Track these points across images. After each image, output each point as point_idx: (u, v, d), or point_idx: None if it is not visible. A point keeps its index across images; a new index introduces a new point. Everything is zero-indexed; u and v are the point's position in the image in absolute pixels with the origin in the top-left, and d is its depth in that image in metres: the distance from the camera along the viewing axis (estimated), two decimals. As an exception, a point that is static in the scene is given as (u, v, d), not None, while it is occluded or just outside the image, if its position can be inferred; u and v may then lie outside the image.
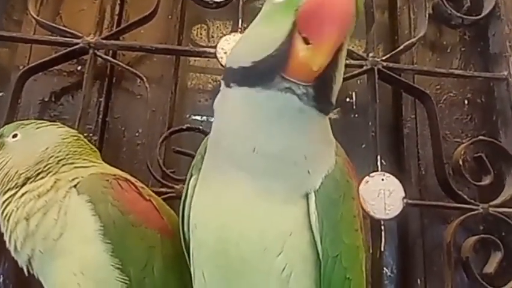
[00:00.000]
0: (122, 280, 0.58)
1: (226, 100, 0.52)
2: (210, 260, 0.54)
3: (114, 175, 0.64)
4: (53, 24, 1.03)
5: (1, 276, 0.95)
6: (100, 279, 0.58)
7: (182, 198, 0.59)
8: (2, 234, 0.93)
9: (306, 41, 0.45)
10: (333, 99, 0.51)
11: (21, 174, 0.64)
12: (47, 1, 1.14)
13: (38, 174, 0.63)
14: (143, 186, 0.67)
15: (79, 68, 1.09)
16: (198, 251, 0.55)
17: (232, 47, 0.55)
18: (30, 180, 0.63)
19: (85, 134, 1.03)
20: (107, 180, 0.61)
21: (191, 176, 0.59)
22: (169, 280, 0.61)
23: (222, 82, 0.53)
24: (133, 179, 0.66)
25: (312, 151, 0.51)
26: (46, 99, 1.07)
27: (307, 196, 0.52)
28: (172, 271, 0.61)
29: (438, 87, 1.16)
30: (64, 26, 1.08)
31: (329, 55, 0.45)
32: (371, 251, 0.94)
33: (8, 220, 0.61)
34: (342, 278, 0.53)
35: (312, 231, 0.51)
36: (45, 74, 1.05)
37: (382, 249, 0.91)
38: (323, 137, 0.54)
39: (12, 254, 0.63)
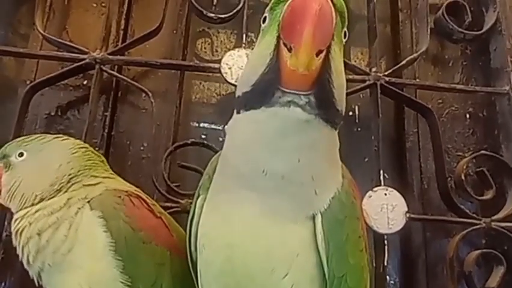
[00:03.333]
0: (131, 297, 0.58)
1: (236, 124, 0.54)
2: (218, 280, 0.54)
3: (126, 191, 0.64)
4: (60, 40, 1.04)
5: (7, 289, 0.96)
6: (108, 295, 0.58)
7: (190, 217, 0.60)
8: (9, 249, 0.96)
9: (289, 49, 0.47)
10: (340, 107, 0.51)
11: (37, 195, 0.64)
12: (53, 16, 1.15)
13: (52, 193, 0.64)
14: (154, 203, 0.68)
15: (85, 82, 1.10)
16: (206, 270, 0.56)
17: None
18: (45, 199, 0.64)
19: (91, 148, 1.04)
20: (120, 197, 0.62)
21: (198, 195, 0.60)
22: (177, 298, 0.62)
23: (234, 110, 0.55)
24: (144, 195, 0.67)
25: (319, 171, 0.52)
26: (52, 114, 1.08)
27: (313, 217, 0.53)
28: (180, 289, 0.62)
29: (440, 101, 1.17)
30: (70, 40, 1.10)
31: (308, 54, 0.45)
32: (374, 265, 0.95)
33: (21, 235, 0.62)
34: None
35: (319, 252, 0.52)
36: (51, 88, 1.06)
37: (385, 263, 0.92)
38: (331, 156, 0.54)
39: (25, 266, 0.64)
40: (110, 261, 0.58)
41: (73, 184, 0.65)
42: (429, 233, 1.05)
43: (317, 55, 0.47)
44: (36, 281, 0.64)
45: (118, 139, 1.08)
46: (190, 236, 0.59)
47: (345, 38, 0.52)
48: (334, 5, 0.48)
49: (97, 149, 1.03)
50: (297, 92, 0.48)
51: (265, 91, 0.49)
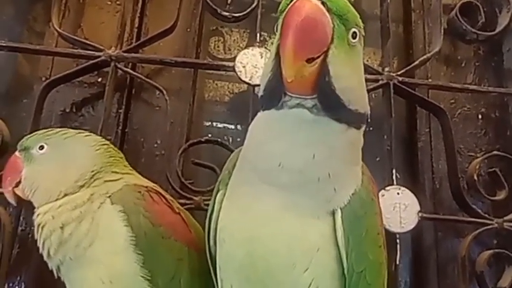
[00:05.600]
0: (151, 291, 0.59)
1: (255, 122, 0.57)
2: (239, 273, 0.55)
3: (146, 187, 0.65)
4: (75, 37, 1.05)
5: (23, 283, 0.97)
6: (128, 289, 0.59)
7: (209, 212, 0.61)
8: (25, 244, 0.97)
9: None
10: (354, 107, 0.52)
11: (61, 191, 0.65)
12: (68, 14, 1.16)
13: (76, 189, 0.65)
14: (172, 199, 0.69)
15: (99, 79, 1.11)
16: (226, 264, 0.57)
17: None
18: (69, 195, 0.65)
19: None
20: (140, 192, 0.63)
21: (218, 190, 0.61)
22: (195, 293, 0.62)
23: None
24: (163, 192, 0.68)
25: (337, 169, 0.53)
26: (67, 110, 1.09)
27: (333, 213, 0.53)
28: (198, 284, 0.63)
29: (452, 101, 1.17)
30: (85, 38, 1.11)
31: (291, 64, 0.48)
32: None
33: (43, 228, 0.63)
34: None
35: (338, 247, 0.53)
36: (66, 85, 1.07)
37: (397, 262, 0.92)
38: (350, 155, 0.55)
39: (45, 258, 0.64)
40: (130, 256, 0.59)
41: (95, 180, 0.66)
42: (440, 232, 1.05)
43: (309, 62, 0.49)
44: (55, 273, 0.65)
45: (132, 136, 1.09)
46: (209, 231, 0.60)
47: (354, 38, 0.52)
48: (329, 9, 0.49)
49: (111, 145, 1.05)
50: (303, 97, 0.51)
51: (273, 96, 0.53)
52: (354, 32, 0.52)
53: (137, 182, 0.67)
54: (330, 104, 0.51)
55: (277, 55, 0.50)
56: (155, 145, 1.09)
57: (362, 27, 0.54)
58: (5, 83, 1.13)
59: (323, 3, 0.49)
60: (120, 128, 1.08)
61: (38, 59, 1.13)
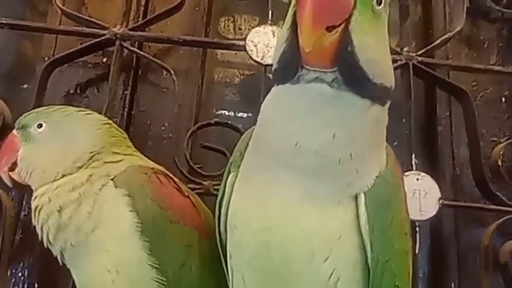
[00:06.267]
0: (159, 280, 0.55)
1: (268, 99, 0.52)
2: (251, 264, 0.51)
3: (152, 168, 0.61)
4: (79, 15, 1.01)
5: (26, 270, 0.94)
6: (135, 278, 0.55)
7: (219, 196, 0.56)
8: (27, 229, 0.94)
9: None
10: (378, 80, 0.47)
11: (59, 172, 0.61)
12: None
13: (74, 170, 0.61)
14: (180, 182, 0.64)
15: (104, 59, 1.07)
16: (238, 253, 0.53)
17: None
18: (66, 175, 0.61)
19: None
20: (146, 174, 0.59)
21: (229, 173, 0.56)
22: (205, 281, 0.58)
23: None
24: (170, 174, 0.63)
25: (360, 149, 0.48)
26: (71, 92, 1.05)
27: (356, 197, 0.49)
28: (208, 271, 0.59)
29: (474, 83, 1.12)
30: (90, 16, 1.06)
31: (309, 33, 0.43)
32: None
33: (40, 212, 0.59)
34: (391, 285, 0.50)
35: (362, 235, 0.49)
36: (70, 65, 1.03)
37: (417, 251, 0.88)
38: (374, 133, 0.50)
39: (46, 245, 0.61)
40: (136, 243, 0.55)
41: (94, 161, 0.62)
42: (461, 221, 1.00)
43: (329, 31, 0.44)
44: (60, 260, 0.61)
45: (138, 118, 1.05)
46: (219, 216, 0.56)
47: (380, 5, 0.47)
48: None
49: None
50: (323, 70, 0.46)
51: (288, 69, 0.48)
52: None
53: (142, 163, 0.63)
54: (352, 77, 0.46)
55: (294, 23, 0.45)
56: (163, 128, 1.04)
57: None
58: (7, 63, 1.10)
59: None
60: (126, 110, 1.03)
61: (41, 38, 1.08)
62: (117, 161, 0.62)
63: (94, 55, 1.05)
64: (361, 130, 0.48)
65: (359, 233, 0.49)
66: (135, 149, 0.69)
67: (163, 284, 0.55)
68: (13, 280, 0.93)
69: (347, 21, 0.44)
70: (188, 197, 0.61)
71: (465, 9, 1.04)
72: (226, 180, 0.56)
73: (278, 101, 0.50)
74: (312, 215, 0.48)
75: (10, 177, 0.66)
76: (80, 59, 1.04)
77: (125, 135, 0.69)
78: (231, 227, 0.53)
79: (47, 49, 1.07)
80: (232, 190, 0.54)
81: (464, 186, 1.03)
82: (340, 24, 0.44)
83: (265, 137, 0.50)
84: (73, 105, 1.02)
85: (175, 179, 0.62)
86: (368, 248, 0.48)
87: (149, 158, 0.72)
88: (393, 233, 0.50)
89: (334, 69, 0.46)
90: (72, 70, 1.05)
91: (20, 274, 0.94)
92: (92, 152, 0.62)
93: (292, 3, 0.46)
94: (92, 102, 1.05)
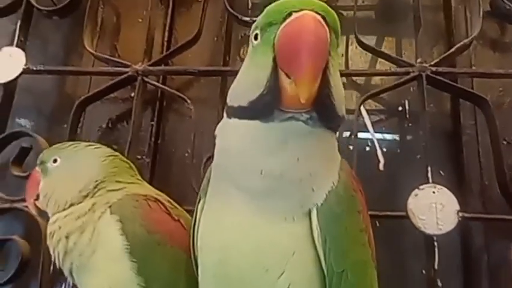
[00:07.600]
0: (147, 299, 0.59)
1: (229, 128, 0.53)
2: (213, 283, 0.54)
3: (145, 195, 0.66)
4: (105, 56, 1.10)
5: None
6: (126, 296, 0.60)
7: (192, 222, 0.60)
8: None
9: (288, 76, 0.45)
10: (341, 112, 0.50)
11: (67, 201, 0.68)
12: (104, 34, 1.23)
13: (80, 199, 0.68)
14: (176, 206, 0.69)
15: (132, 94, 1.15)
16: (203, 273, 0.56)
17: (231, 86, 0.54)
18: (74, 204, 0.68)
19: (138, 157, 1.09)
20: (137, 201, 0.64)
21: (199, 199, 0.60)
22: (192, 300, 0.61)
23: (224, 113, 0.54)
24: (164, 199, 0.68)
25: (318, 168, 0.50)
26: (104, 126, 1.14)
27: (309, 213, 0.51)
28: (198, 291, 0.62)
29: (501, 89, 1.07)
30: (119, 55, 1.16)
31: (310, 86, 0.44)
32: (424, 270, 0.88)
33: (52, 237, 0.66)
34: None
35: (316, 248, 0.50)
36: (102, 102, 1.12)
37: (435, 267, 0.85)
38: (329, 154, 0.53)
39: (57, 266, 0.67)
40: (126, 264, 0.60)
41: (99, 190, 0.68)
42: (490, 233, 0.96)
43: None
44: (70, 280, 0.67)
45: (164, 147, 1.12)
46: (193, 240, 0.59)
47: (339, 47, 0.51)
48: (327, 23, 0.46)
49: (144, 157, 1.08)
50: (298, 110, 0.47)
51: (264, 110, 0.48)
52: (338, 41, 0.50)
53: (138, 191, 0.68)
54: (329, 115, 0.48)
55: (273, 70, 0.47)
56: (186, 154, 1.10)
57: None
58: (50, 104, 1.21)
59: (322, 17, 0.45)
60: (153, 139, 1.11)
61: (77, 79, 1.20)
62: (118, 189, 0.68)
63: (123, 90, 1.14)
64: (321, 152, 0.51)
65: (313, 246, 0.50)
66: (139, 177, 0.75)
67: (151, 303, 0.59)
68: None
69: (326, 65, 0.47)
70: (178, 220, 0.65)
71: (481, 14, 1.00)
72: (197, 206, 0.59)
73: (245, 135, 0.50)
74: (264, 232, 0.50)
75: (35, 207, 0.75)
76: (111, 95, 1.13)
77: (131, 165, 0.75)
78: (198, 249, 0.57)
79: (83, 89, 1.18)
80: (201, 215, 0.58)
81: (493, 197, 0.99)
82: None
83: (226, 165, 0.53)
84: (106, 139, 1.13)
85: (167, 204, 0.67)
86: (323, 260, 0.50)
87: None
88: (348, 244, 0.51)
89: (308, 109, 0.47)
90: (104, 106, 1.15)
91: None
92: (96, 181, 0.69)
93: (268, 49, 0.47)
94: (122, 135, 1.13)
